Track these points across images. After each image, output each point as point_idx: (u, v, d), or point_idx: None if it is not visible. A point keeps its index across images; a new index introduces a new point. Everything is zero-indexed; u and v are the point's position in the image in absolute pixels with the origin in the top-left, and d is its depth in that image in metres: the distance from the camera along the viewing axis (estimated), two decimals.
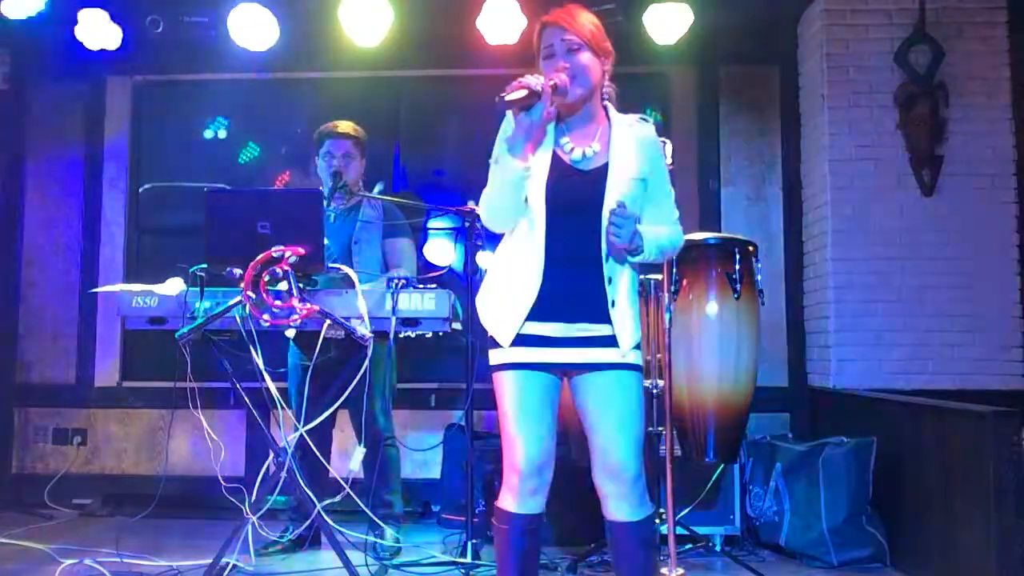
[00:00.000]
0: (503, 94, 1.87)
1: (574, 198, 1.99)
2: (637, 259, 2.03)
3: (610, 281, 2.01)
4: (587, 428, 2.05)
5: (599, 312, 2.01)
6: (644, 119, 2.11)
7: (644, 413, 2.06)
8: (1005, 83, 4.00)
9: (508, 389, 2.02)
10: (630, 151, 2.04)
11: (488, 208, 2.04)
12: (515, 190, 1.97)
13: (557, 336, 2.00)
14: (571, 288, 2.00)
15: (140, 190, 2.75)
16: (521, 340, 2.00)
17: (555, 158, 2.02)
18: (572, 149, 2.03)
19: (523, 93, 1.88)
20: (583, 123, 2.07)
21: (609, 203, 1.97)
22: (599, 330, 2.01)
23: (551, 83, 1.93)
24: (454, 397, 4.29)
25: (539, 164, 2.00)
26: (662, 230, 2.09)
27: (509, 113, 1.96)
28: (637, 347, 2.06)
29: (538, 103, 1.90)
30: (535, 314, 2.00)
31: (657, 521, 2.93)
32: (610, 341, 2.01)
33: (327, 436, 3.34)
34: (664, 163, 2.15)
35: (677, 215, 2.17)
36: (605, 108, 2.10)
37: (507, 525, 2.03)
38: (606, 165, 2.02)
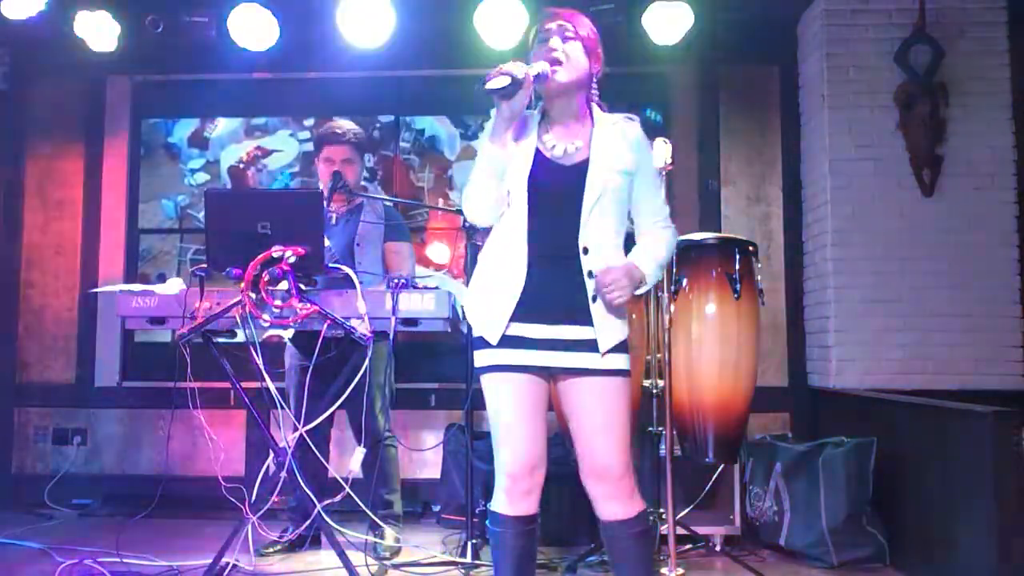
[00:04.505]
0: (483, 81, 1.89)
1: (555, 191, 2.00)
2: (645, 288, 2.05)
3: (590, 275, 2.01)
4: (572, 431, 2.06)
5: (582, 313, 2.00)
6: (630, 118, 2.12)
7: (629, 415, 2.05)
8: (1005, 83, 4.00)
9: (496, 391, 2.03)
10: (612, 145, 2.05)
11: (470, 198, 2.05)
12: (495, 178, 1.99)
13: (541, 338, 2.00)
14: (554, 288, 2.00)
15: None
16: (507, 341, 2.00)
17: (538, 154, 2.03)
18: (554, 146, 2.05)
19: (505, 80, 1.89)
20: (567, 122, 2.08)
21: (589, 196, 1.98)
22: (582, 333, 2.00)
23: (534, 72, 1.94)
24: (454, 397, 4.28)
25: (522, 160, 2.02)
26: (656, 243, 2.10)
27: (494, 114, 1.99)
28: (624, 349, 2.05)
29: (519, 91, 1.91)
30: (520, 315, 2.00)
31: (657, 521, 2.94)
32: (593, 345, 2.00)
33: (326, 436, 3.34)
34: (651, 159, 2.16)
35: (668, 211, 2.17)
36: (590, 109, 2.11)
37: (502, 528, 2.03)
38: (587, 160, 2.03)
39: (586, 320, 2.00)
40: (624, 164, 2.04)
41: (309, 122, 4.68)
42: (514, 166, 2.01)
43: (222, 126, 4.73)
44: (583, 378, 2.01)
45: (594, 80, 2.09)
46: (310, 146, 4.53)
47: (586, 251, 2.00)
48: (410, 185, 4.66)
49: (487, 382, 2.05)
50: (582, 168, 2.02)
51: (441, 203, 4.59)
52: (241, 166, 4.70)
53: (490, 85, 1.89)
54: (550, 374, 2.05)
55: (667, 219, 2.16)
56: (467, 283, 3.20)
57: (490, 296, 2.04)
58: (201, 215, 4.60)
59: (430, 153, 4.67)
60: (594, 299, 2.00)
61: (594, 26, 2.12)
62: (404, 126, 4.69)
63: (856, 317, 3.97)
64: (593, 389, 2.01)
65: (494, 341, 2.01)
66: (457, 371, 3.58)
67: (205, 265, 2.74)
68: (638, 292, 2.04)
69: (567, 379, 2.04)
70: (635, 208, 2.11)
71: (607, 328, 2.01)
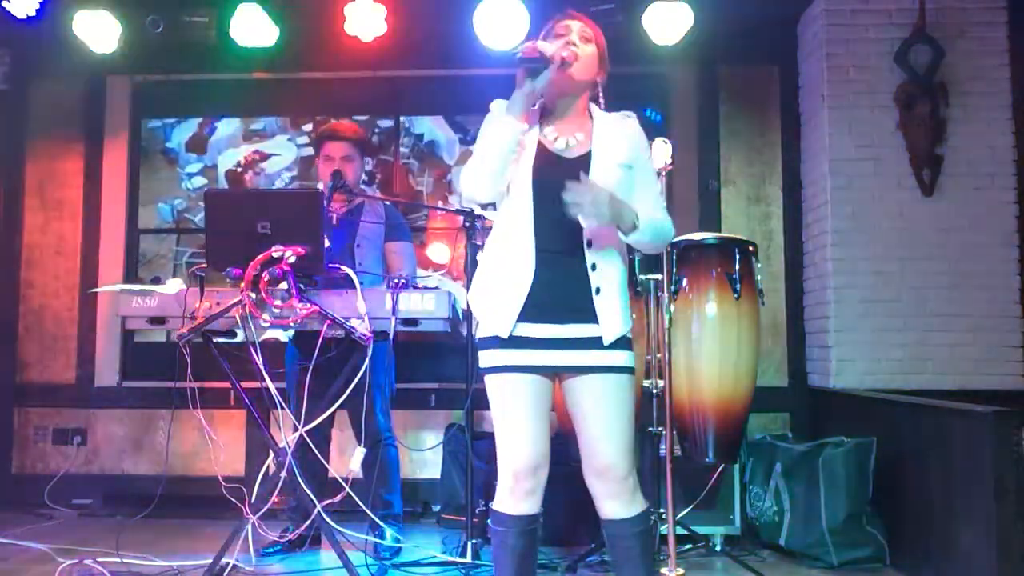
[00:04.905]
0: (518, 47, 1.95)
1: (559, 184, 1.99)
2: (634, 237, 2.01)
3: (594, 268, 2.01)
4: (576, 430, 2.07)
5: (587, 311, 2.01)
6: (627, 114, 2.15)
7: (633, 414, 2.06)
8: (1005, 83, 4.00)
9: (501, 391, 2.03)
10: (613, 139, 2.08)
11: (474, 171, 2.02)
12: (506, 151, 1.99)
13: (547, 338, 2.01)
14: (560, 286, 2.01)
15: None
16: (514, 342, 2.01)
17: (540, 147, 2.05)
18: (556, 139, 2.08)
19: (535, 54, 1.94)
20: (567, 117, 2.11)
21: None
22: (587, 331, 2.01)
23: (561, 57, 1.98)
24: (454, 397, 4.28)
25: (525, 152, 2.03)
26: (653, 214, 2.10)
27: (494, 106, 2.04)
28: (629, 346, 2.06)
29: (545, 70, 1.95)
30: (526, 315, 2.00)
31: (657, 521, 2.94)
32: (597, 342, 2.01)
33: (326, 436, 3.34)
34: (648, 154, 2.19)
35: (664, 205, 2.19)
36: (590, 109, 2.15)
37: (504, 527, 2.04)
38: (589, 153, 2.05)
39: (591, 317, 2.01)
40: (624, 158, 2.07)
41: (308, 127, 4.68)
42: (517, 159, 2.02)
43: (220, 130, 4.73)
44: (588, 376, 2.02)
45: (599, 87, 2.14)
46: (309, 150, 4.54)
47: (590, 244, 2.02)
48: (409, 189, 4.65)
49: (492, 382, 2.05)
50: (584, 161, 2.03)
51: (440, 203, 4.59)
52: (239, 170, 4.70)
53: (524, 54, 1.95)
54: (555, 373, 2.05)
55: (663, 211, 2.17)
56: (467, 284, 3.21)
57: (498, 294, 2.05)
58: (198, 219, 4.60)
59: (429, 158, 4.66)
60: (597, 291, 2.01)
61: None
62: (403, 131, 4.69)
63: (856, 317, 3.97)
64: (598, 388, 2.02)
65: (507, 333, 2.01)
66: (457, 371, 3.58)
67: (205, 265, 2.74)
68: (626, 238, 2.02)
69: (572, 378, 2.04)
70: (634, 199, 2.11)
71: (610, 320, 2.01)
